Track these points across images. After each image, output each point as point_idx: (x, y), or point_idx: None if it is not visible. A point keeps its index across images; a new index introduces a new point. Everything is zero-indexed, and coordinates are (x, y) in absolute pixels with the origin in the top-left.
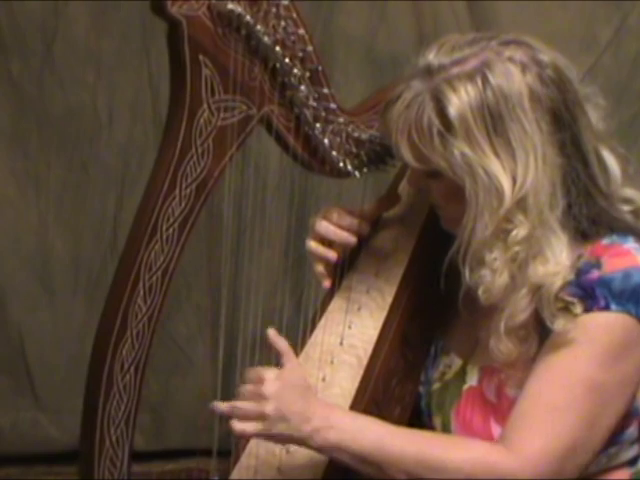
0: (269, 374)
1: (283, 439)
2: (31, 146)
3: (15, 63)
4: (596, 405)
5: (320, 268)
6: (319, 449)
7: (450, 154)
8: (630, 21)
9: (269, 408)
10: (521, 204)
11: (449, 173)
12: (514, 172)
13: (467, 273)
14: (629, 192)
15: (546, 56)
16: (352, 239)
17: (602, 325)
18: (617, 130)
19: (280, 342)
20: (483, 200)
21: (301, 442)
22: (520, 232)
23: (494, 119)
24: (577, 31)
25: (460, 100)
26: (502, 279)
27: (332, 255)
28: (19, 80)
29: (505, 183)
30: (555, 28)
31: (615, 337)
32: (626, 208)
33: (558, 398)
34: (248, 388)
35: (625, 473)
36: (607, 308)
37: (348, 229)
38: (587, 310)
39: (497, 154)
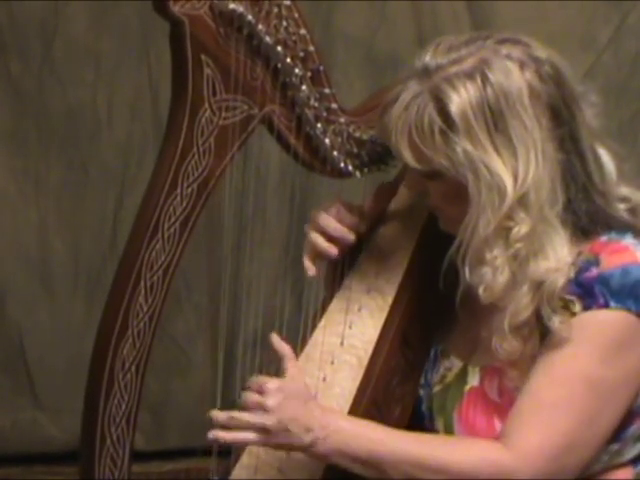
0: (271, 385)
1: (284, 447)
2: (30, 145)
3: (15, 62)
4: (596, 402)
5: (310, 257)
6: (320, 457)
7: (452, 152)
8: (630, 20)
9: (271, 421)
10: (522, 201)
11: (451, 171)
12: (515, 169)
13: (467, 272)
14: (625, 190)
15: (542, 53)
16: (351, 237)
17: (601, 322)
18: (617, 129)
19: (283, 347)
20: (485, 197)
21: (302, 450)
22: (522, 229)
23: (495, 116)
24: (577, 30)
25: (460, 98)
26: (503, 277)
27: (333, 251)
28: (19, 79)
29: (507, 180)
30: (555, 27)
31: (615, 334)
32: (622, 206)
33: (557, 395)
34: (249, 398)
35: (629, 471)
36: (606, 306)
37: (349, 226)
38: (586, 308)
39: (498, 151)
